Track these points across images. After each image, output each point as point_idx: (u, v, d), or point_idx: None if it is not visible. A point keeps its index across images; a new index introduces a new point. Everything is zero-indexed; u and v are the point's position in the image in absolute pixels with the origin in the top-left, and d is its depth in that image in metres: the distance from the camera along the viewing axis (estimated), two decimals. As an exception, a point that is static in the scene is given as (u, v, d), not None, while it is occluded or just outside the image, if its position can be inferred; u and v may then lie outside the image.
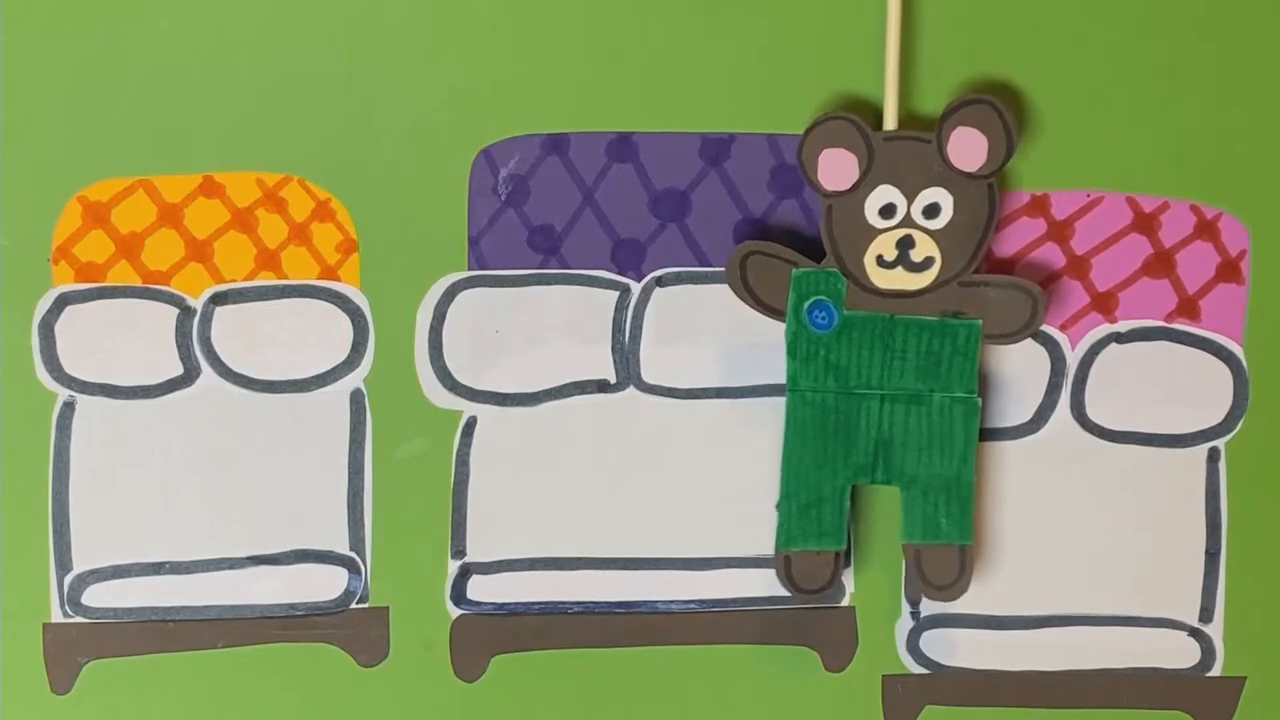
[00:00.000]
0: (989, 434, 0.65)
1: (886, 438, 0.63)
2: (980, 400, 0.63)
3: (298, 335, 0.64)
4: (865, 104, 0.62)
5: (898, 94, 0.61)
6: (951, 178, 0.61)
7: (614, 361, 0.65)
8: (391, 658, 0.67)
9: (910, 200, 0.61)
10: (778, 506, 0.64)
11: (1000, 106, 0.60)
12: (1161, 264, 0.64)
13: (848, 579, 0.66)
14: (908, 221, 0.61)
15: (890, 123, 0.61)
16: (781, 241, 0.62)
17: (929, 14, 0.62)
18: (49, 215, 0.63)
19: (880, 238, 0.61)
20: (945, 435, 0.63)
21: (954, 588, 0.64)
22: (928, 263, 0.61)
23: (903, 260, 0.61)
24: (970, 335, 0.62)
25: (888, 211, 0.61)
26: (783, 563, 0.64)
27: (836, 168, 0.61)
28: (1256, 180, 0.63)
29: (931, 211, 0.61)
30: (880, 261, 0.61)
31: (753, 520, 0.65)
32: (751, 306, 0.62)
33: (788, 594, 0.65)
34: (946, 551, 0.64)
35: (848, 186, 0.61)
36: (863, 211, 0.61)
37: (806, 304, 0.61)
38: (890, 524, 0.66)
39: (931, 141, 0.60)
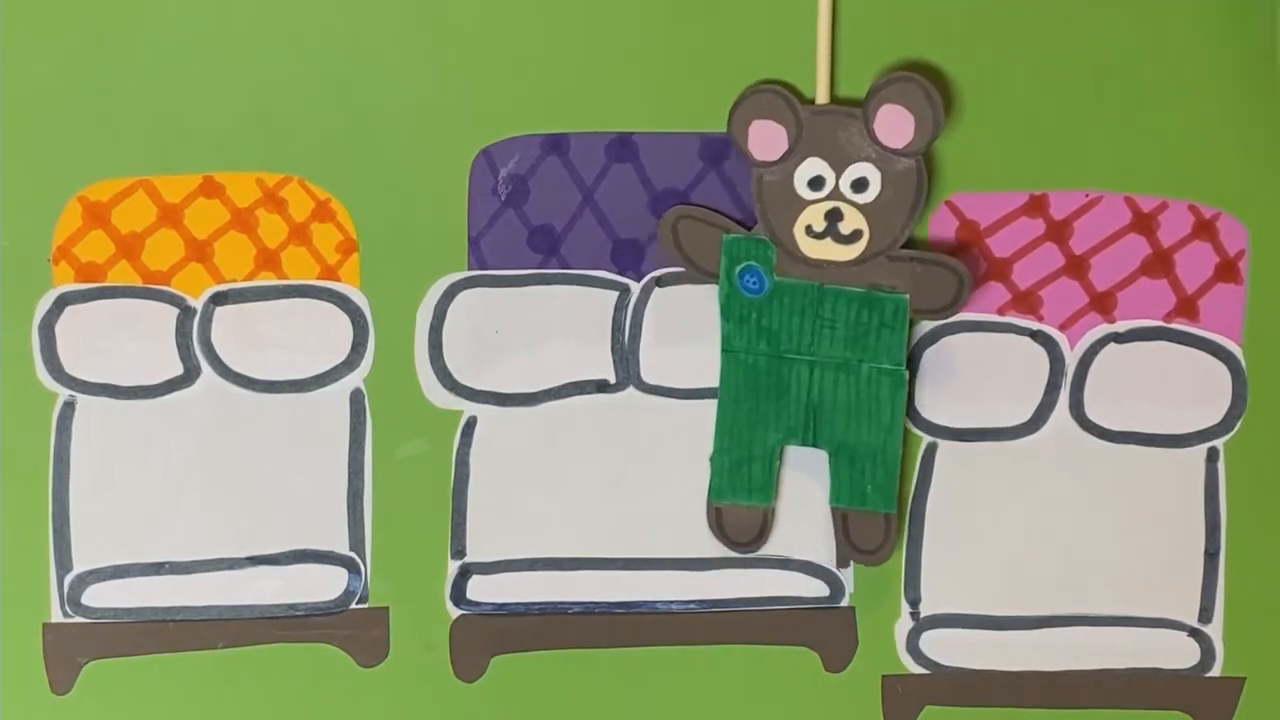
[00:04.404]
0: (988, 434, 0.65)
1: (816, 402, 0.63)
2: (907, 373, 0.63)
3: (298, 335, 0.64)
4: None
5: (829, 68, 0.61)
6: (879, 154, 0.61)
7: (614, 361, 0.65)
8: (391, 658, 0.67)
9: (839, 174, 0.61)
10: (711, 460, 0.64)
11: (926, 84, 0.60)
12: (1160, 264, 0.64)
13: (848, 579, 0.66)
14: (836, 194, 0.61)
15: (822, 96, 0.61)
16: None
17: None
18: (49, 215, 0.63)
19: (809, 208, 0.62)
20: (872, 405, 0.63)
21: (879, 553, 0.65)
22: (856, 235, 0.62)
23: (831, 232, 0.62)
24: (898, 309, 0.62)
25: (816, 184, 0.61)
26: (714, 514, 0.65)
27: (766, 138, 0.61)
28: (1255, 180, 0.63)
29: (860, 186, 0.61)
30: (809, 231, 0.62)
31: (752, 520, 0.65)
32: (685, 268, 0.63)
33: (788, 594, 0.66)
34: (872, 518, 0.64)
35: (777, 157, 0.61)
36: (792, 182, 0.62)
37: (738, 269, 0.62)
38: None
39: (859, 117, 0.61)
